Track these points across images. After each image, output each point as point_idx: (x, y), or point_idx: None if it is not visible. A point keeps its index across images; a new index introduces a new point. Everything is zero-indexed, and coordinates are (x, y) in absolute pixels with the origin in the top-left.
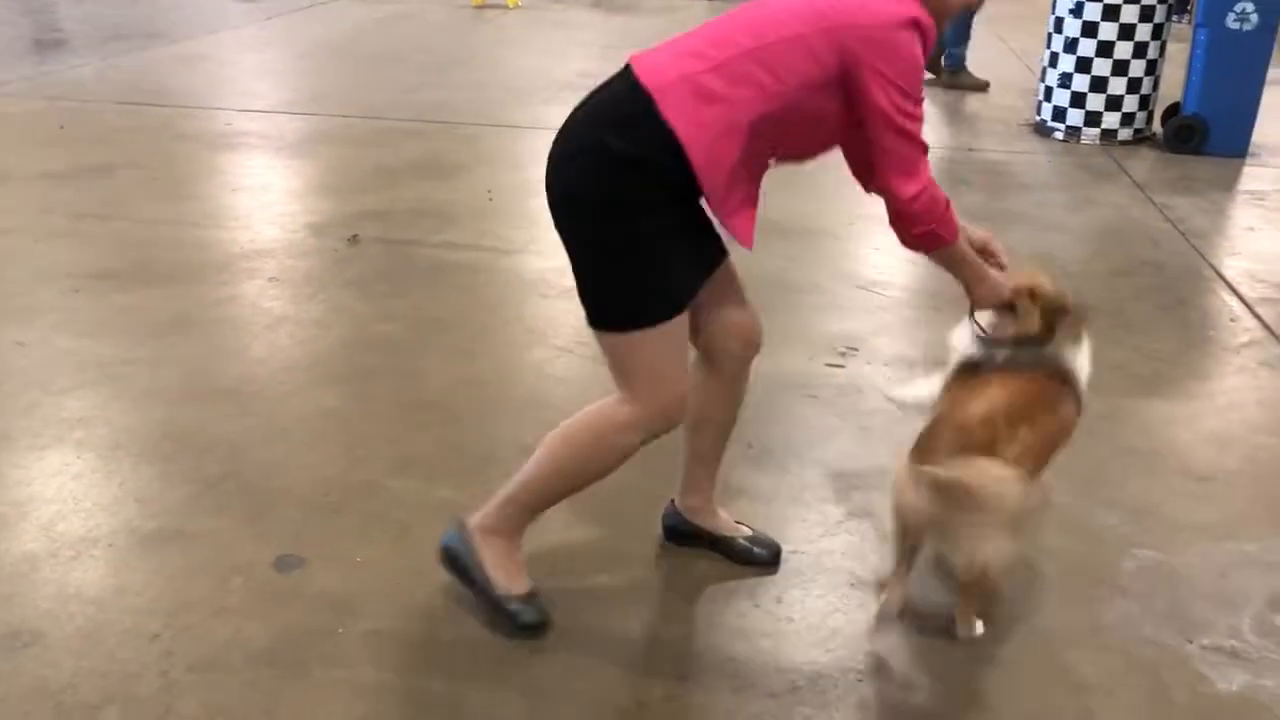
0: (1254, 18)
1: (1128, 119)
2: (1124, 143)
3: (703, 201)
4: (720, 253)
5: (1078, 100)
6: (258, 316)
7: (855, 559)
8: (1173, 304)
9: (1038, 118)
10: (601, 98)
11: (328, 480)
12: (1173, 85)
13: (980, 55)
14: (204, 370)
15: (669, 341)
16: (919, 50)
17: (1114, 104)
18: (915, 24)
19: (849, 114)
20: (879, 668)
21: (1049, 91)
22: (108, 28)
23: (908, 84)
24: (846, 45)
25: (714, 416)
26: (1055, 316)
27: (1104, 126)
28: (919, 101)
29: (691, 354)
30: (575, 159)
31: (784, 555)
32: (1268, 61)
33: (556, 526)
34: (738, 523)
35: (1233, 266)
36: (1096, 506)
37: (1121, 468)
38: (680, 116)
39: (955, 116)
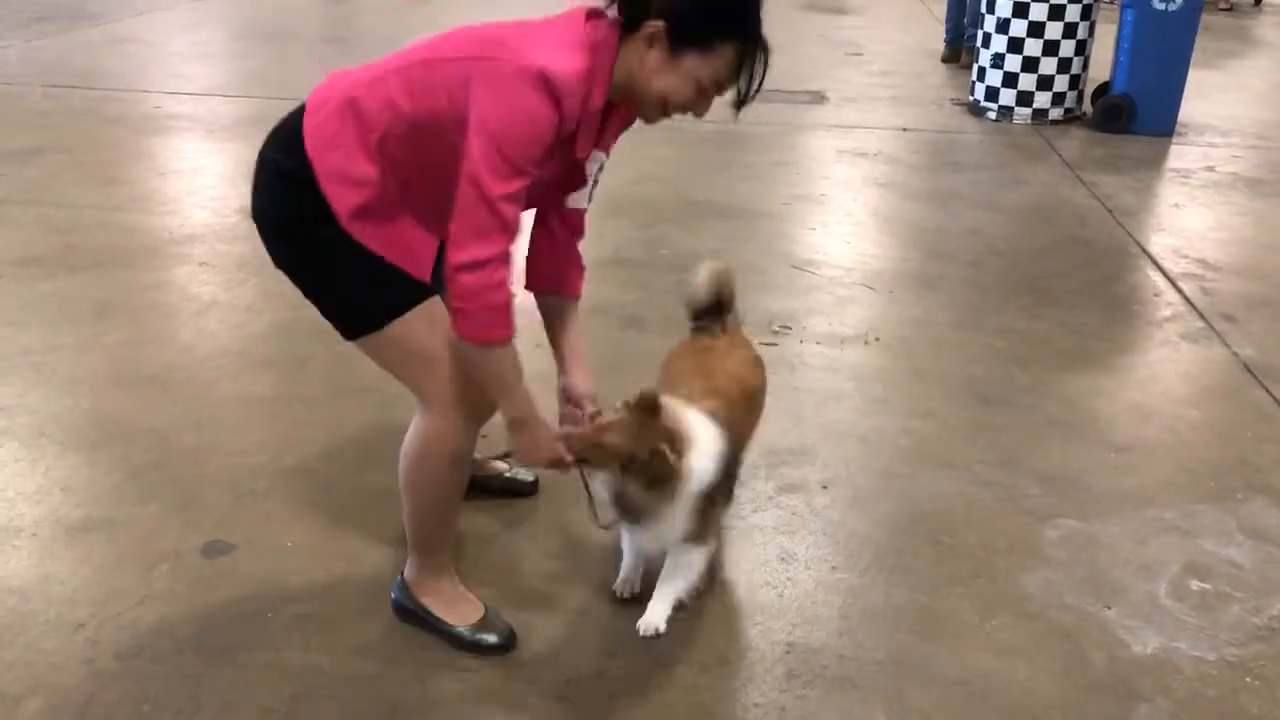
0: None
1: (1058, 99)
2: (1055, 122)
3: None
4: None
5: (1010, 80)
6: (187, 302)
7: (785, 534)
8: (1099, 280)
9: (971, 97)
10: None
11: (258, 466)
12: (1102, 65)
13: (913, 33)
14: (131, 357)
15: (430, 321)
16: (541, 112)
17: (1045, 84)
18: (544, 80)
19: None
20: (807, 640)
21: (981, 72)
22: (32, 7)
23: (508, 144)
24: (471, 78)
25: None
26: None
27: (1035, 106)
28: (517, 171)
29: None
30: (258, 178)
31: None
32: (1193, 41)
33: (476, 509)
34: (491, 460)
35: (1158, 243)
36: (1020, 477)
37: (1045, 439)
38: (314, 133)
39: (890, 96)
